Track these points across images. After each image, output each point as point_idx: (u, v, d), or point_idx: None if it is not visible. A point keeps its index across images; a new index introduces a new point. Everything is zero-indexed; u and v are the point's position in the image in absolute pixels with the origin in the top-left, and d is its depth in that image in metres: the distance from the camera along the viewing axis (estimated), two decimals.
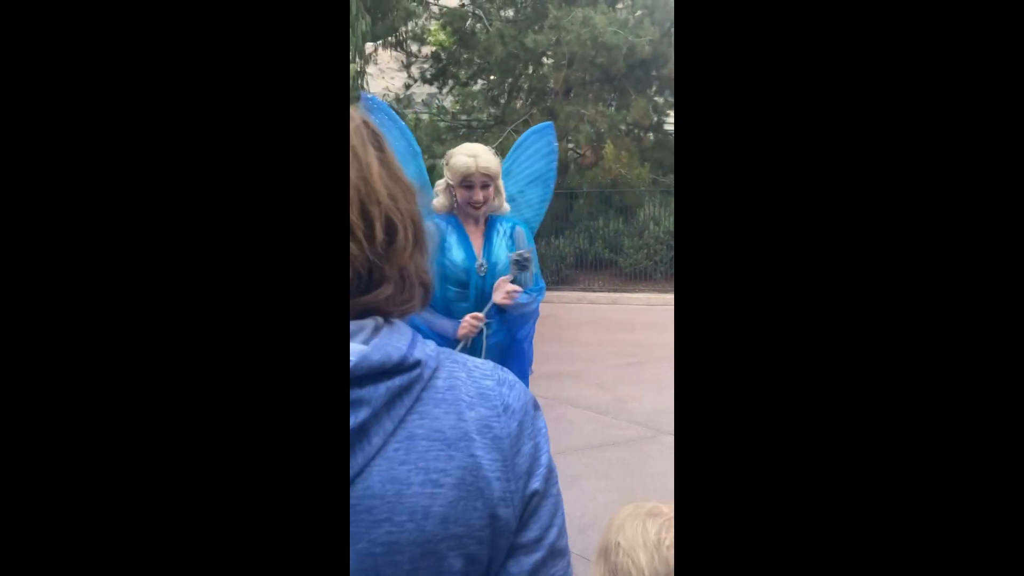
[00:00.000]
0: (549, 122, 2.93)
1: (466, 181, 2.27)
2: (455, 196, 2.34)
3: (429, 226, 2.62)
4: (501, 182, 2.39)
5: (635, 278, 11.79)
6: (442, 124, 14.06)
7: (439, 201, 2.40)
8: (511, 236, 2.42)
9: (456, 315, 2.35)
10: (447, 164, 2.32)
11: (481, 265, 2.35)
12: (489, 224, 2.42)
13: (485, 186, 2.29)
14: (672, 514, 0.71)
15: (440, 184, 2.40)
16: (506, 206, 2.47)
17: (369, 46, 13.93)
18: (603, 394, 5.31)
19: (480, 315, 2.32)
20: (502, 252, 2.37)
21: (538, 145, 2.75)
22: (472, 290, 2.36)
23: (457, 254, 2.36)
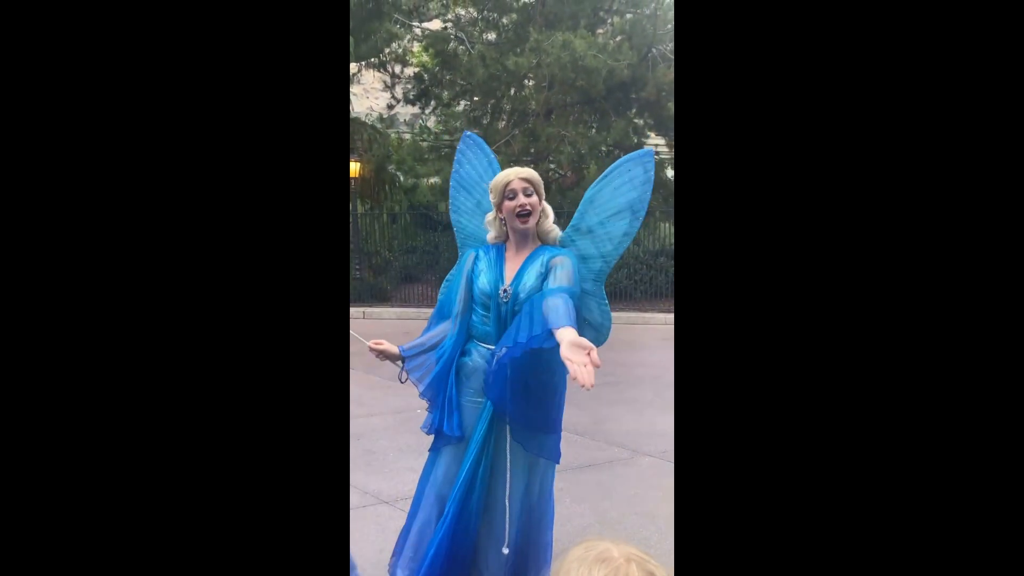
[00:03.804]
0: (650, 148, 2.55)
1: (509, 192, 2.32)
2: (504, 222, 2.39)
3: (468, 256, 2.41)
4: (547, 206, 2.39)
5: (615, 297, 11.87)
6: (425, 144, 14.12)
7: (491, 235, 2.46)
8: (546, 264, 2.34)
9: (481, 339, 2.40)
10: (491, 190, 2.39)
11: (504, 291, 2.34)
12: (533, 253, 2.39)
13: (528, 193, 2.32)
14: (622, 559, 0.69)
15: (489, 216, 2.46)
16: (556, 231, 2.44)
17: (352, 67, 14.02)
18: (581, 414, 5.28)
19: (388, 348, 2.47)
20: (531, 280, 2.33)
21: (633, 173, 2.46)
22: (493, 315, 2.36)
23: (484, 279, 2.38)
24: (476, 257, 2.44)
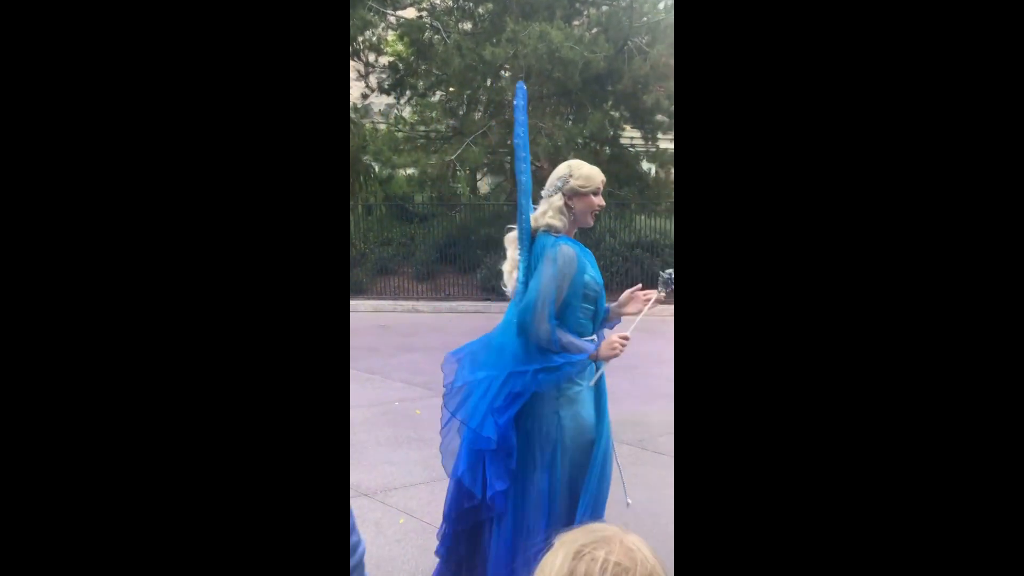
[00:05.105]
0: None
1: (596, 188, 2.35)
2: (572, 210, 2.33)
3: (567, 250, 2.31)
4: None
5: None
6: (400, 135, 13.98)
7: (561, 221, 2.33)
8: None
9: (586, 334, 2.32)
10: (575, 175, 2.32)
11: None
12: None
13: None
14: (616, 546, 0.71)
15: (556, 202, 2.33)
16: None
17: None
18: None
19: (627, 335, 2.31)
20: None
21: None
22: (600, 306, 2.37)
23: (593, 271, 2.35)
24: (577, 252, 2.32)
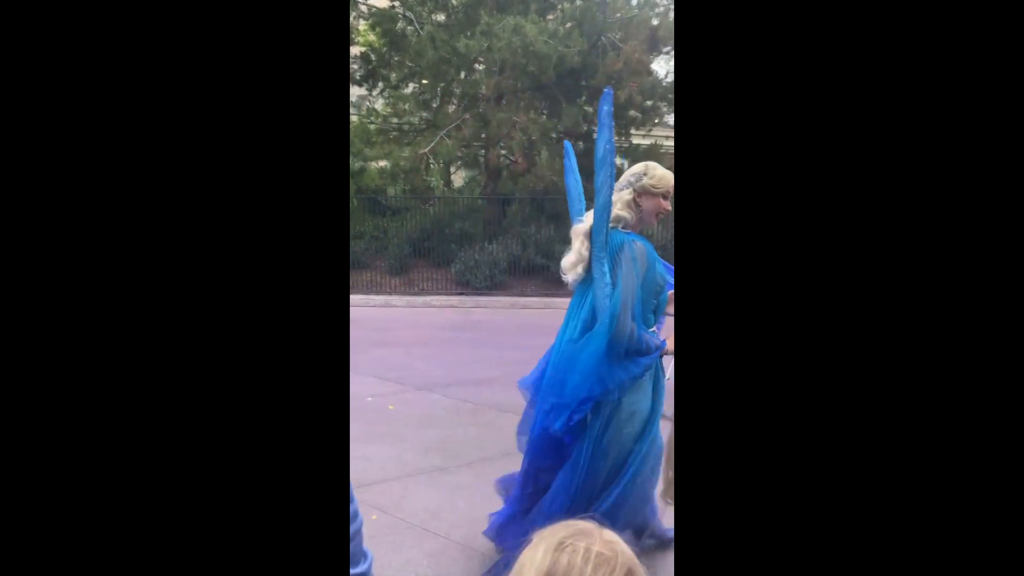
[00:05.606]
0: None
1: (668, 192, 2.41)
2: (640, 208, 2.40)
3: (641, 247, 2.31)
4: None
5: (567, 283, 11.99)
6: (372, 127, 13.79)
7: (629, 214, 2.40)
8: None
9: (649, 326, 2.39)
10: (649, 175, 2.41)
11: None
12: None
13: None
14: (593, 543, 0.72)
15: (625, 196, 2.41)
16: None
17: None
18: None
19: None
20: None
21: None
22: (662, 299, 2.43)
23: (660, 266, 2.41)
24: (647, 247, 2.41)
